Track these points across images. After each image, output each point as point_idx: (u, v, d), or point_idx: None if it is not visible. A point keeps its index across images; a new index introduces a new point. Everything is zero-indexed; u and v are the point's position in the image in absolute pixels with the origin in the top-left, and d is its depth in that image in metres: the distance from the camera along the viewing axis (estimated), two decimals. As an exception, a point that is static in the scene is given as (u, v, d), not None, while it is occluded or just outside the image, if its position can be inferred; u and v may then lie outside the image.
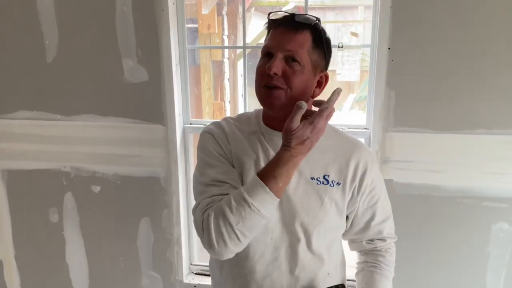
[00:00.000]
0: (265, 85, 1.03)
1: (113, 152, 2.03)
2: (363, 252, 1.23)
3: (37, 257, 2.25)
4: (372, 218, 1.17)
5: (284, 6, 3.94)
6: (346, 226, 1.18)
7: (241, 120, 1.18)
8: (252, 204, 0.94)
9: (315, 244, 1.11)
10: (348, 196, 1.12)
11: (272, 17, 1.06)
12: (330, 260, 1.15)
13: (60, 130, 2.05)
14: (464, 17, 1.64)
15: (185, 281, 2.12)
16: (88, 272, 2.21)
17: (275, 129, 1.11)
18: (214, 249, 0.97)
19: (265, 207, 0.96)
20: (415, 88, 1.72)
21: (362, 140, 1.89)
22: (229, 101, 3.63)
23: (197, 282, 2.10)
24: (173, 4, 1.87)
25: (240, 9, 3.09)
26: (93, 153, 2.05)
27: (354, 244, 1.25)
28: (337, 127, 1.21)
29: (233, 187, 1.03)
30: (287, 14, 1.04)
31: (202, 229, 0.98)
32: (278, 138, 1.07)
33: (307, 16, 1.02)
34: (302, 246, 1.10)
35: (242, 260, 1.12)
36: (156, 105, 1.93)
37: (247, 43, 1.98)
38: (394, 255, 1.23)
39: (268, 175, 0.96)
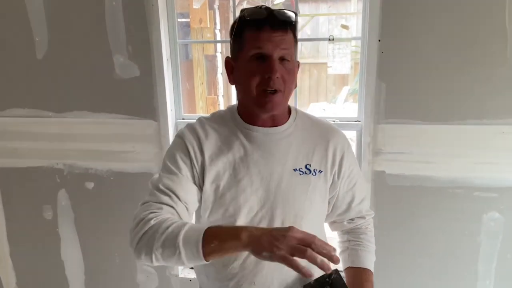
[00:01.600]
0: (264, 89, 1.01)
1: (106, 149, 2.02)
2: (345, 231, 1.26)
3: (33, 254, 2.25)
4: (352, 199, 1.20)
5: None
6: (328, 210, 1.20)
7: (216, 119, 1.15)
8: (180, 253, 0.90)
9: None
10: (329, 182, 1.14)
11: (252, 16, 1.01)
12: None
13: (53, 127, 2.04)
14: (454, 9, 1.64)
15: (181, 275, 2.13)
16: (83, 268, 2.22)
17: (255, 125, 1.10)
18: (132, 247, 0.98)
19: (189, 262, 0.91)
20: (406, 80, 1.73)
21: (354, 132, 1.90)
22: (222, 95, 3.62)
23: (192, 276, 2.11)
24: (163, -2, 1.86)
25: (232, 3, 3.07)
26: (86, 149, 2.05)
27: (335, 224, 1.27)
28: (310, 113, 1.24)
29: (182, 202, 1.02)
30: (263, 10, 1.00)
31: (136, 225, 0.98)
32: (256, 133, 1.09)
33: (289, 13, 1.02)
34: None
35: (229, 262, 1.10)
36: (148, 101, 1.93)
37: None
38: (373, 230, 1.27)
39: (213, 240, 0.88)
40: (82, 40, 1.92)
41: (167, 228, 0.92)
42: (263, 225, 1.08)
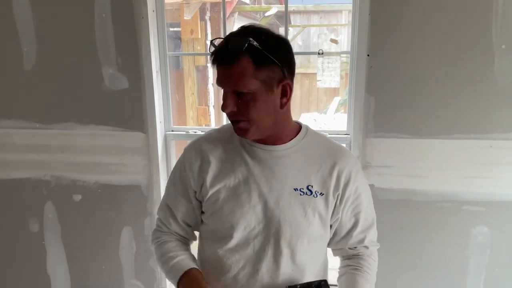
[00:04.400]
0: (230, 119, 1.05)
1: (94, 160, 2.00)
2: (346, 257, 1.22)
3: (18, 268, 2.21)
4: (354, 227, 1.16)
5: (267, 11, 3.96)
6: (330, 234, 1.17)
7: (224, 131, 1.17)
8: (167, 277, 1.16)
9: (298, 257, 1.10)
10: (331, 206, 1.11)
11: (211, 49, 1.01)
12: (312, 270, 1.15)
13: (40, 138, 2.02)
14: (442, 25, 1.66)
15: (168, 289, 2.10)
16: (70, 283, 2.18)
17: (254, 141, 1.10)
18: None
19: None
20: (395, 95, 1.74)
21: (343, 145, 1.90)
22: (213, 106, 3.62)
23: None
24: (153, 11, 1.86)
25: (222, 15, 3.09)
26: (74, 161, 2.02)
27: (336, 250, 1.24)
28: (324, 133, 1.21)
29: (179, 222, 1.19)
30: (222, 42, 0.99)
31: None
32: (258, 150, 1.09)
33: (238, 40, 0.95)
34: (285, 259, 1.09)
35: (222, 274, 1.12)
36: (137, 113, 1.92)
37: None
38: (376, 261, 1.22)
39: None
40: (71, 51, 1.91)
41: (159, 258, 1.18)
42: (259, 241, 1.09)
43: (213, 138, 1.16)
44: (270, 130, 1.06)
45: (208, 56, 1.06)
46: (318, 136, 1.16)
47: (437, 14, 1.65)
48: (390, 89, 1.74)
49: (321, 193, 1.09)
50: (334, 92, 5.93)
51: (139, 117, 1.92)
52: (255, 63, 0.96)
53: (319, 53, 1.83)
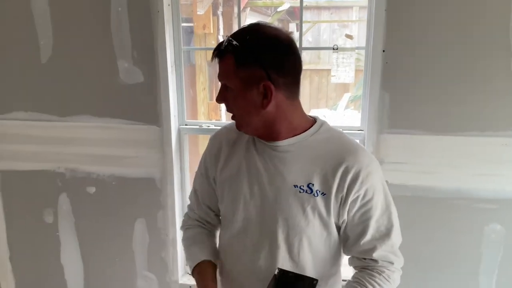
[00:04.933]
0: None
1: (108, 153, 2.02)
2: (357, 268, 1.14)
3: (32, 258, 2.24)
4: (362, 234, 1.07)
5: (279, 6, 3.94)
6: (341, 239, 1.13)
7: None
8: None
9: (297, 254, 1.09)
10: (333, 207, 1.06)
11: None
12: (315, 272, 1.10)
13: (55, 131, 2.04)
14: (459, 20, 1.65)
15: (180, 281, 2.12)
16: (83, 273, 2.21)
17: (263, 139, 1.11)
18: None
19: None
20: (410, 90, 1.74)
21: (357, 141, 1.90)
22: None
23: (192, 283, 2.09)
24: (169, 5, 1.87)
25: (236, 10, 3.08)
26: (88, 154, 2.05)
27: (349, 259, 1.17)
28: (341, 131, 1.15)
29: (203, 205, 1.26)
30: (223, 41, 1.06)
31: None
32: (263, 145, 1.11)
33: (226, 40, 1.03)
34: (282, 253, 1.09)
35: (225, 261, 1.21)
36: (152, 106, 1.93)
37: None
38: (389, 282, 1.09)
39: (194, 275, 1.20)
40: (86, 45, 1.92)
41: (184, 241, 1.29)
42: (257, 232, 1.11)
43: (231, 128, 1.18)
44: (260, 128, 1.06)
45: None
46: (331, 133, 1.11)
47: (453, 10, 1.64)
48: (405, 85, 1.73)
49: (322, 192, 1.05)
50: (343, 88, 5.90)
51: (153, 111, 1.94)
52: (236, 62, 1.00)
53: (334, 48, 1.83)
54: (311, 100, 6.36)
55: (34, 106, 2.04)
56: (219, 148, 1.18)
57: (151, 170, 2.01)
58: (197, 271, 1.18)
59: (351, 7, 5.95)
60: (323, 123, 1.12)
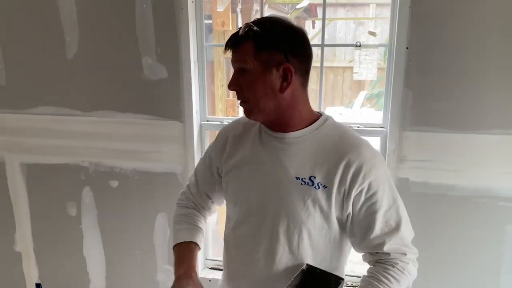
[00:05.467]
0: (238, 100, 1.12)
1: (131, 148, 2.06)
2: (371, 263, 1.14)
3: (55, 250, 2.29)
4: (370, 229, 1.07)
5: (298, 3, 3.94)
6: (347, 235, 1.13)
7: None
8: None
9: (296, 246, 1.10)
10: (335, 200, 1.06)
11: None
12: (314, 265, 1.10)
13: (80, 125, 2.08)
14: (485, 16, 1.64)
15: (200, 275, 2.12)
16: (105, 265, 2.25)
17: (271, 129, 1.14)
18: None
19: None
20: (433, 88, 1.73)
21: (378, 139, 1.90)
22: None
23: (211, 277, 2.13)
24: (192, 2, 1.89)
25: (255, 7, 3.09)
26: (112, 148, 2.08)
27: (362, 255, 1.16)
28: (348, 126, 1.18)
29: (201, 192, 1.31)
30: (236, 31, 1.10)
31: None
32: (270, 136, 1.14)
33: (244, 27, 1.07)
34: (281, 246, 1.11)
35: (227, 252, 1.26)
36: (175, 102, 1.96)
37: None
38: (404, 275, 1.08)
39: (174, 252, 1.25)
40: (111, 41, 1.96)
41: (175, 217, 1.33)
42: (257, 223, 1.13)
43: (239, 122, 1.26)
44: (273, 114, 1.09)
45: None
46: (336, 128, 1.13)
47: (479, 6, 1.63)
48: (429, 82, 1.73)
49: (324, 185, 1.06)
50: (359, 86, 5.87)
51: (176, 107, 1.96)
52: (256, 46, 1.04)
53: (356, 45, 1.83)
54: (326, 97, 6.34)
55: (59, 101, 2.08)
56: (226, 140, 1.23)
57: (173, 165, 2.04)
58: (177, 249, 1.23)
59: (368, 4, 5.92)
60: (328, 118, 1.15)
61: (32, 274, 2.35)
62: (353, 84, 5.98)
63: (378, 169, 1.07)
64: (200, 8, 1.94)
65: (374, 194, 1.06)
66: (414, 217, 1.85)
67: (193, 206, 1.33)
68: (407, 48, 1.71)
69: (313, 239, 1.10)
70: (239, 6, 3.25)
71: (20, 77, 2.09)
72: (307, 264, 1.08)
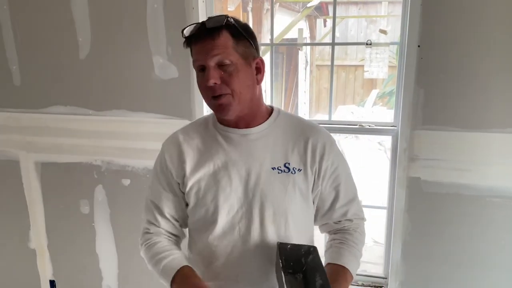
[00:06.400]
0: (212, 96, 1.07)
1: (143, 147, 2.08)
2: (332, 232, 1.24)
3: (69, 247, 2.33)
4: (335, 200, 1.19)
5: (308, 2, 3.92)
6: (313, 210, 1.21)
7: (199, 125, 1.22)
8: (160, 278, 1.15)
9: (283, 232, 1.14)
10: (310, 180, 1.15)
11: (186, 34, 1.07)
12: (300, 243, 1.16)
13: (92, 124, 2.11)
14: (498, 15, 1.62)
15: None
16: (117, 263, 2.28)
17: (229, 126, 1.15)
18: None
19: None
20: (444, 87, 1.71)
21: (389, 137, 1.90)
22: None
23: (222, 275, 2.14)
24: (203, 2, 1.90)
25: (265, 6, 3.09)
26: (124, 147, 2.11)
27: (322, 226, 1.26)
28: (297, 114, 1.24)
29: (167, 218, 1.20)
30: (198, 24, 1.06)
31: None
32: (233, 135, 1.15)
33: (216, 18, 1.04)
34: (271, 237, 1.13)
35: (212, 261, 1.17)
36: (185, 101, 1.97)
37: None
38: (363, 235, 1.23)
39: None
40: (123, 41, 1.98)
41: (152, 258, 1.17)
42: (244, 224, 1.13)
43: (189, 129, 1.22)
44: (247, 108, 1.10)
45: (183, 41, 1.09)
46: (290, 117, 1.22)
47: (491, 4, 1.61)
48: (440, 81, 1.71)
49: (299, 169, 1.13)
50: (371, 84, 5.85)
51: (187, 106, 1.98)
52: (233, 37, 1.04)
53: (367, 44, 1.82)
54: (338, 96, 6.30)
55: (72, 100, 2.11)
56: (180, 152, 1.16)
57: (184, 163, 2.05)
58: (179, 277, 1.10)
59: (380, 2, 5.89)
60: (279, 109, 1.22)
61: (46, 271, 2.40)
62: (365, 83, 5.96)
63: (335, 146, 1.20)
64: (210, 7, 1.95)
65: (336, 168, 1.18)
66: (425, 216, 1.86)
67: (166, 238, 1.21)
68: (418, 46, 1.70)
69: (297, 222, 1.16)
70: (250, 5, 3.25)
71: (34, 78, 2.13)
72: (277, 242, 1.11)
